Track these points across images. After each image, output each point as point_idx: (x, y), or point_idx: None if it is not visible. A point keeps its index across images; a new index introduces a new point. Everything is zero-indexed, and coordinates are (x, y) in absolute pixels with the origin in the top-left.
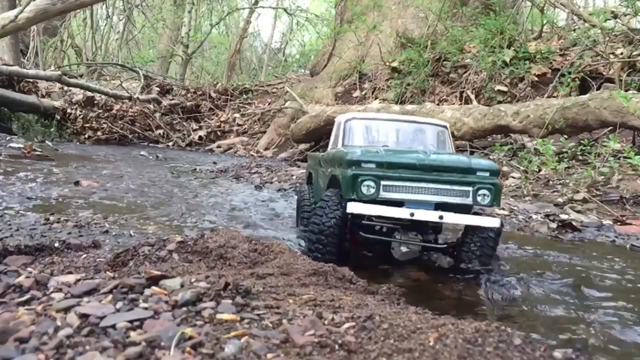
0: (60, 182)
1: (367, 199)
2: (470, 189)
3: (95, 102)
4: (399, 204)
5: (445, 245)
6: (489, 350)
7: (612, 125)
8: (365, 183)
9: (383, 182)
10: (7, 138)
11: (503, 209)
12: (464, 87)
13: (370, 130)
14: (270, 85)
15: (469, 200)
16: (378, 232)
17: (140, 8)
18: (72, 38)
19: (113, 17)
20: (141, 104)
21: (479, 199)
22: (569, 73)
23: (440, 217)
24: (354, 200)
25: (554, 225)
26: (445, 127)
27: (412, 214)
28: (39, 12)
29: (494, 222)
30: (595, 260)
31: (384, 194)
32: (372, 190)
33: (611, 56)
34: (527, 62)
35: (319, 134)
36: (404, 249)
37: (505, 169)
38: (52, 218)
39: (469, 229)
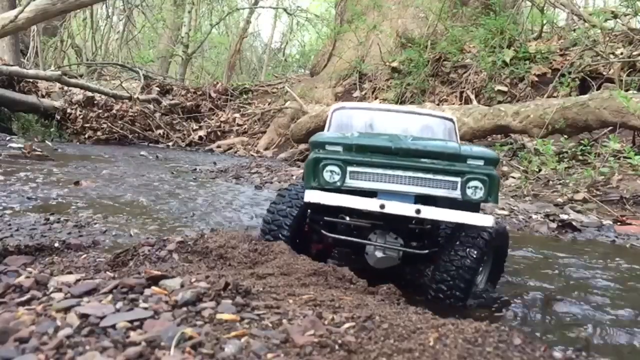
0: (60, 182)
1: (331, 188)
2: (458, 179)
3: (95, 102)
4: (371, 195)
5: (427, 252)
6: (489, 350)
7: (612, 125)
8: (329, 168)
9: (350, 168)
10: (7, 138)
11: (503, 209)
12: (464, 87)
13: (359, 120)
14: (270, 85)
15: (456, 194)
16: (347, 232)
17: (140, 8)
18: (72, 38)
19: (113, 17)
20: (141, 104)
21: (469, 192)
22: (569, 73)
23: (418, 212)
24: (314, 188)
25: (554, 225)
26: (451, 120)
27: (382, 206)
28: (39, 12)
29: (484, 221)
30: (595, 260)
31: (351, 182)
32: (337, 177)
33: (611, 56)
34: (527, 62)
35: None
36: (379, 254)
37: (505, 169)
38: (52, 218)
39: (455, 232)
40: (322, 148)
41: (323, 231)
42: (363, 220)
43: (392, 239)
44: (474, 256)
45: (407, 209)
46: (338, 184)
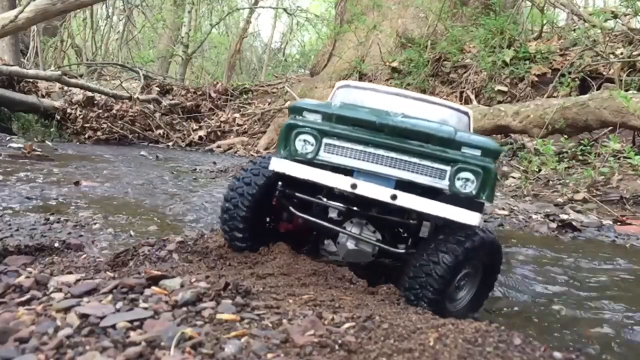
0: (60, 182)
1: (302, 159)
2: (447, 168)
3: (95, 102)
4: (347, 175)
5: (403, 251)
6: (489, 350)
7: (612, 125)
8: (302, 137)
9: (326, 140)
10: (7, 138)
11: (503, 209)
12: (464, 87)
13: (364, 100)
14: (270, 85)
15: (443, 184)
16: (319, 216)
17: (140, 8)
18: (72, 38)
19: (113, 17)
20: (141, 104)
21: (458, 184)
22: (569, 73)
23: (393, 197)
24: (284, 158)
25: (554, 225)
26: (466, 113)
27: (354, 186)
28: (39, 12)
29: (468, 218)
30: (596, 260)
31: (325, 156)
32: (309, 148)
33: (611, 56)
34: (527, 62)
35: None
36: (350, 245)
37: (505, 169)
38: (52, 218)
39: (438, 229)
40: (300, 114)
41: (291, 208)
42: (338, 203)
43: (369, 232)
44: (447, 264)
45: (381, 193)
46: (310, 155)
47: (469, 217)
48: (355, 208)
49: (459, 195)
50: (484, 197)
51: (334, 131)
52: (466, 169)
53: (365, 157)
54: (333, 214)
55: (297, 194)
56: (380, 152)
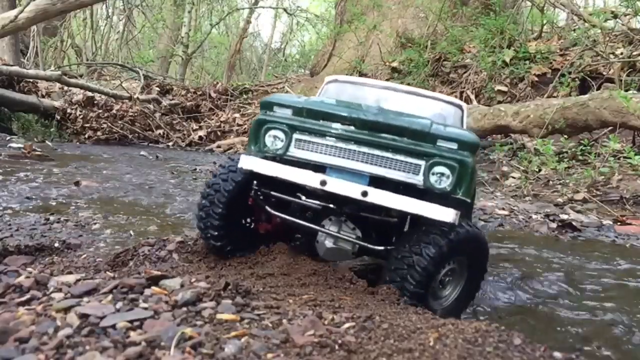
0: (60, 182)
1: (272, 155)
2: (422, 163)
3: (95, 102)
4: (320, 171)
5: (382, 248)
6: (489, 350)
7: (612, 125)
8: (272, 133)
9: (296, 136)
10: (7, 138)
11: (503, 209)
12: (464, 87)
13: (353, 95)
14: (270, 85)
15: (418, 180)
16: (297, 214)
17: (140, 8)
18: (72, 38)
19: (113, 17)
20: (141, 104)
21: (432, 179)
22: (569, 73)
23: (364, 194)
24: (253, 155)
25: (554, 225)
26: (459, 106)
27: (323, 182)
28: (39, 12)
29: (443, 214)
30: (596, 260)
31: (296, 152)
32: (279, 144)
33: (611, 56)
34: (527, 62)
35: None
36: (329, 244)
37: (505, 169)
38: (52, 218)
39: (415, 226)
40: (270, 110)
41: (267, 207)
42: (317, 200)
43: (348, 229)
44: (430, 255)
45: (352, 190)
46: (280, 152)
47: (443, 214)
48: (331, 205)
49: (434, 190)
50: (460, 193)
51: (304, 126)
52: (441, 163)
53: (336, 153)
54: (311, 212)
55: (272, 192)
56: (352, 147)
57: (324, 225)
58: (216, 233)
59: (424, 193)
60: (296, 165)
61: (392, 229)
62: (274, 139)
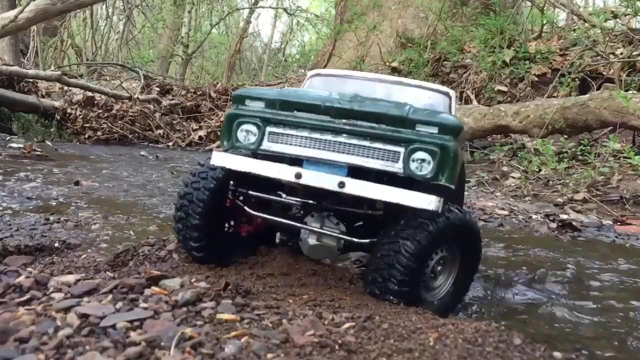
0: (60, 182)
1: (245, 151)
2: (401, 149)
3: (95, 102)
4: (297, 164)
5: (367, 241)
6: (489, 350)
7: (612, 125)
8: (244, 127)
9: (270, 129)
10: (7, 138)
11: (503, 209)
12: (464, 87)
13: (337, 88)
14: (270, 85)
15: (397, 167)
16: (279, 213)
17: (140, 8)
18: (72, 38)
19: (113, 17)
20: (141, 104)
21: (412, 166)
22: (569, 73)
23: (341, 185)
24: (226, 151)
25: (554, 225)
26: (447, 94)
27: (298, 175)
28: (39, 12)
29: (424, 202)
30: (596, 260)
31: (270, 146)
32: (252, 138)
33: (611, 56)
34: (527, 62)
35: None
36: (312, 241)
37: (505, 169)
38: (52, 218)
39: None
40: (242, 103)
41: (246, 207)
42: (293, 198)
43: (332, 224)
44: (410, 252)
45: (328, 182)
46: (253, 146)
47: (424, 201)
48: (311, 201)
49: (415, 178)
50: (442, 179)
51: (277, 118)
52: (421, 149)
53: (312, 144)
54: (294, 210)
55: (250, 191)
56: (328, 137)
57: (306, 222)
58: (197, 244)
59: (413, 183)
60: (271, 160)
61: (379, 223)
62: (246, 134)
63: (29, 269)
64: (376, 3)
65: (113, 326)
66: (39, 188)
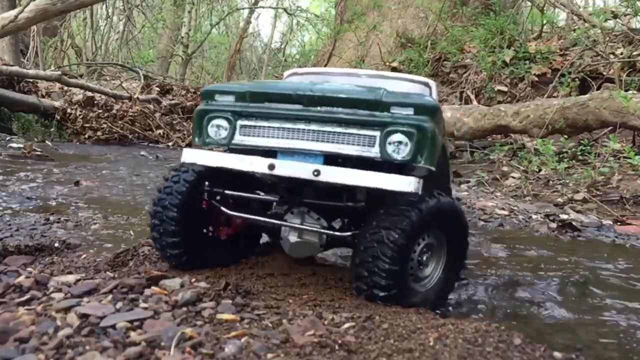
0: (60, 182)
1: (217, 146)
2: (376, 133)
3: (95, 102)
4: (270, 156)
5: (349, 234)
6: (489, 350)
7: (612, 125)
8: (214, 122)
9: (241, 122)
10: (7, 138)
11: (503, 209)
12: (464, 87)
13: None
14: None
15: (374, 152)
16: (258, 212)
17: (140, 8)
18: (72, 38)
19: (113, 17)
20: (141, 104)
21: (389, 149)
22: (569, 73)
23: (316, 173)
24: (198, 147)
25: (554, 225)
26: (426, 84)
27: (271, 167)
28: (39, 12)
29: (402, 184)
30: (595, 260)
31: (243, 139)
32: (223, 133)
33: (611, 56)
34: (527, 62)
35: None
36: (293, 238)
37: (505, 169)
38: (52, 218)
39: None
40: (212, 99)
41: (223, 208)
42: (272, 195)
43: (312, 220)
44: (394, 241)
45: (302, 171)
46: (224, 141)
47: (402, 183)
48: (289, 195)
49: (393, 162)
50: (422, 161)
51: (247, 110)
52: (397, 131)
53: (285, 135)
54: (276, 208)
55: (226, 191)
56: (301, 126)
57: (287, 220)
58: (176, 252)
59: (393, 170)
60: (244, 154)
61: (361, 215)
62: (217, 129)
63: (29, 269)
64: (376, 3)
65: (113, 326)
66: (39, 188)
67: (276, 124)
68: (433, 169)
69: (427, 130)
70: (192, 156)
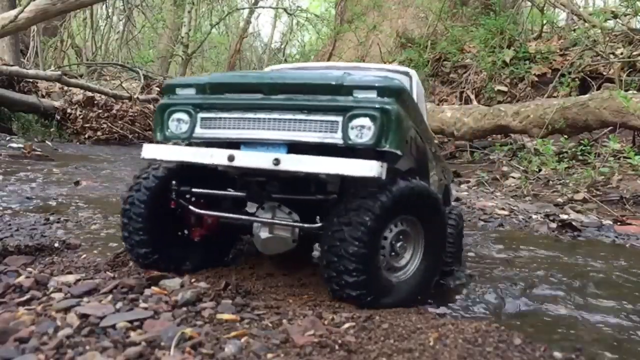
0: (60, 182)
1: (178, 140)
2: (338, 118)
3: (95, 102)
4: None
5: (319, 225)
6: (489, 350)
7: (612, 125)
8: (175, 116)
9: (201, 115)
10: (7, 138)
11: (503, 209)
12: (464, 87)
13: None
14: None
15: (337, 138)
16: (230, 209)
17: (140, 8)
18: (72, 38)
19: (113, 17)
20: (141, 104)
21: (352, 134)
22: (569, 73)
23: (276, 162)
24: (158, 143)
25: (554, 225)
26: (406, 74)
27: (231, 158)
28: (39, 12)
29: (366, 169)
30: (596, 260)
31: (203, 132)
32: (184, 127)
33: (611, 56)
34: (527, 62)
35: None
36: (264, 234)
37: (505, 169)
38: (52, 218)
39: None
40: (172, 93)
41: (191, 207)
42: (241, 191)
43: (283, 214)
44: (357, 238)
45: (262, 161)
46: (185, 135)
47: (363, 168)
48: (255, 189)
49: (356, 147)
50: (387, 145)
51: (207, 102)
52: (359, 115)
53: (246, 125)
54: (248, 206)
55: (193, 189)
56: (262, 115)
57: (258, 215)
58: (144, 251)
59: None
60: (205, 147)
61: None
62: (178, 123)
63: (29, 269)
64: (376, 3)
65: (113, 326)
66: (39, 188)
67: (237, 115)
68: (399, 152)
69: (391, 113)
70: (152, 152)
